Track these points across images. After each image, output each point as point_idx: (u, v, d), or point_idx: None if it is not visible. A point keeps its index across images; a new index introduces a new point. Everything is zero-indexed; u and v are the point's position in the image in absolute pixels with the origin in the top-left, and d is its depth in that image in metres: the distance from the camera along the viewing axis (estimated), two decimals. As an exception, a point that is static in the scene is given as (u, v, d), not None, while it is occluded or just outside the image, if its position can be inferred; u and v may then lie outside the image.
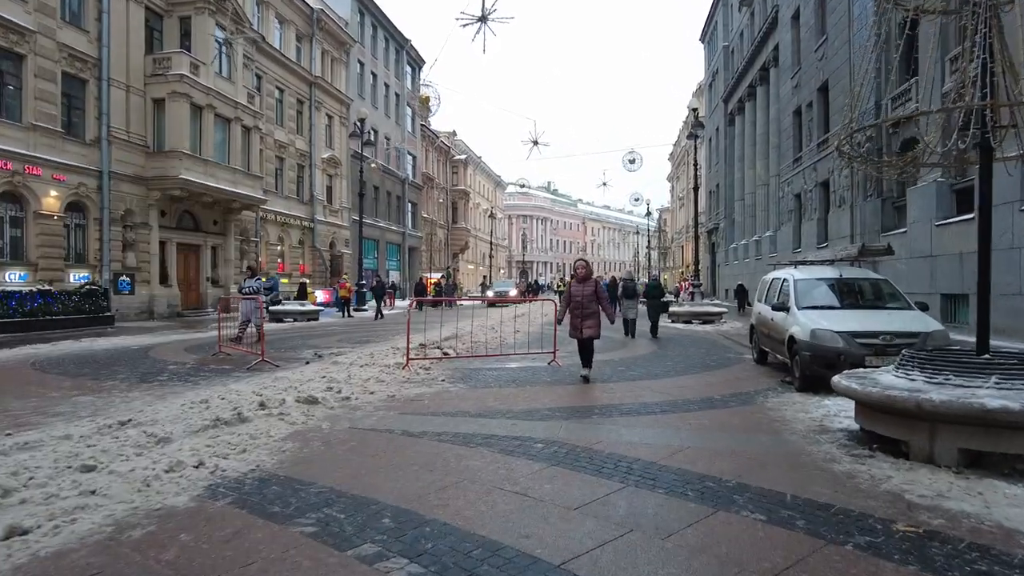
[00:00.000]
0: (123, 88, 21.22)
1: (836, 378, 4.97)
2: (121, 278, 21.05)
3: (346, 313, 25.08)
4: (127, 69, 21.34)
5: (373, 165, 29.12)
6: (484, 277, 57.38)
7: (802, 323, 7.27)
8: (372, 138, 34.40)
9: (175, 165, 22.01)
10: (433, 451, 4.42)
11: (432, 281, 40.88)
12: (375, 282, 25.50)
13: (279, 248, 31.70)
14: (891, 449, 4.44)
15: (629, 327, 15.26)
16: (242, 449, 4.27)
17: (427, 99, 36.18)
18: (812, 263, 9.30)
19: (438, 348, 10.05)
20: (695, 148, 26.20)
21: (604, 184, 43.39)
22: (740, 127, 38.53)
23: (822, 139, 23.42)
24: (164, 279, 23.33)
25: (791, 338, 7.41)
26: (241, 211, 26.74)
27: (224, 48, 21.88)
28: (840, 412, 5.85)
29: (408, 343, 8.64)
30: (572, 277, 26.70)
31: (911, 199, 16.22)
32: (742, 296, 27.93)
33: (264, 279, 13.19)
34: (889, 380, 4.60)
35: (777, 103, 30.22)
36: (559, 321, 8.80)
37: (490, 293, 36.65)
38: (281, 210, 31.20)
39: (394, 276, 44.47)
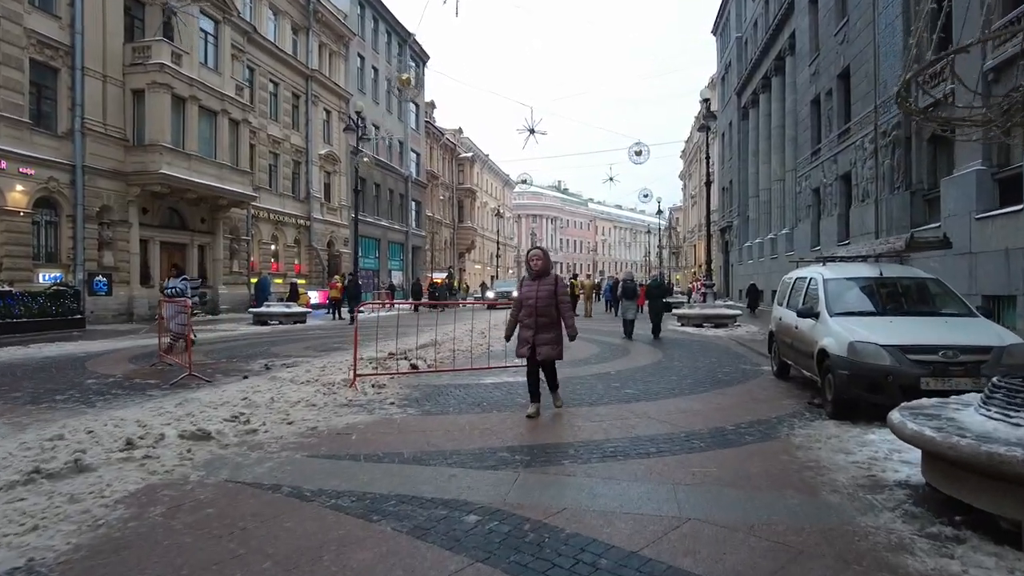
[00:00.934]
0: (99, 78, 20.08)
1: (898, 416, 3.54)
2: (97, 278, 19.89)
3: (336, 315, 23.83)
4: (103, 58, 20.20)
5: (366, 159, 27.80)
6: (492, 278, 55.87)
7: (836, 333, 5.82)
8: (373, 133, 33.10)
9: (155, 159, 20.85)
10: (314, 529, 3.04)
11: (434, 281, 39.49)
12: (347, 281, 23.20)
13: (273, 247, 30.54)
14: (986, 525, 3.02)
15: (627, 328, 14.87)
16: (33, 526, 2.93)
17: (408, 80, 33.99)
18: (844, 259, 7.82)
19: (406, 359, 8.70)
20: (707, 141, 24.65)
21: (611, 179, 41.61)
22: (754, 120, 36.90)
23: (843, 129, 21.83)
24: (146, 279, 22.18)
25: (822, 352, 5.97)
26: (230, 208, 25.57)
27: (174, 16, 20.49)
28: (892, 452, 4.42)
29: (355, 357, 7.24)
30: (574, 278, 25.02)
31: (946, 190, 14.64)
32: (754, 297, 26.47)
33: (191, 278, 11.55)
34: (979, 424, 3.17)
35: (794, 93, 28.62)
36: (507, 336, 6.16)
37: (491, 294, 34.04)
38: (275, 208, 30.03)
39: (397, 276, 43.25)
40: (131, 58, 21.00)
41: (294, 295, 24.52)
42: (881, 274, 6.62)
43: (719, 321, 17.52)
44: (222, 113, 24.24)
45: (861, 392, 5.36)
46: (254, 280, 26.61)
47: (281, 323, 20.11)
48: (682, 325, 18.09)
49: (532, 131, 23.01)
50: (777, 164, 31.67)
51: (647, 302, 16.36)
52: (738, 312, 18.82)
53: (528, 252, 6.22)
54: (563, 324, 5.88)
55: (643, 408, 6.19)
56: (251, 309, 21.60)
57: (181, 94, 21.90)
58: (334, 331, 16.66)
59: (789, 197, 29.76)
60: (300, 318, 21.05)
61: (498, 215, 59.85)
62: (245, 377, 7.75)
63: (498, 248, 58.33)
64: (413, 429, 5.17)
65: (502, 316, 17.70)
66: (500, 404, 6.33)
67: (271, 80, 30.27)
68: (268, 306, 21.10)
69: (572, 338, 5.89)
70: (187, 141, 22.34)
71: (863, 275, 6.74)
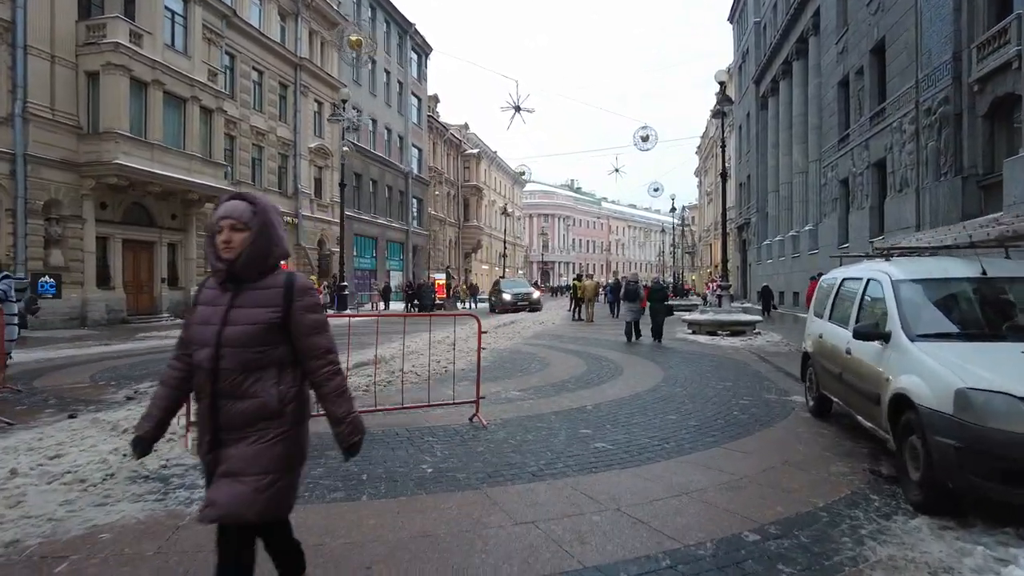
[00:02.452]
0: (47, 58, 18.18)
1: None
2: (42, 279, 17.98)
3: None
4: (52, 36, 18.30)
5: (345, 148, 25.77)
6: (500, 278, 53.07)
7: (928, 371, 3.53)
8: (369, 125, 30.95)
9: (110, 149, 18.90)
10: None
11: (440, 283, 37.08)
12: None
13: (256, 246, 28.49)
14: None
15: (629, 331, 14.35)
16: None
17: (359, 42, 31.05)
18: (915, 250, 5.49)
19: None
20: (723, 127, 22.26)
21: (616, 170, 38.82)
22: (773, 110, 34.36)
23: (876, 110, 19.37)
24: (105, 280, 20.27)
25: (900, 398, 3.69)
26: (203, 203, 23.56)
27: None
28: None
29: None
30: (578, 279, 22.59)
31: (1010, 173, 12.17)
32: (767, 299, 24.12)
33: (15, 276, 9.30)
34: None
35: (818, 76, 26.12)
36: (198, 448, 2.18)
37: (507, 296, 29.91)
38: (259, 204, 27.99)
39: (397, 277, 41.14)
40: (85, 37, 19.10)
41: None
42: (984, 273, 4.29)
43: (735, 329, 15.19)
44: (192, 100, 22.27)
45: (984, 481, 3.07)
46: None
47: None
48: (693, 333, 15.77)
49: (518, 108, 20.76)
50: (799, 155, 29.16)
51: (648, 304, 14.98)
52: (758, 319, 16.44)
53: (215, 212, 2.17)
54: (323, 408, 2.18)
55: (613, 485, 3.93)
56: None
57: (142, 78, 19.94)
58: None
59: (813, 191, 27.28)
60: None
61: (504, 213, 57.53)
62: (71, 416, 5.60)
63: (505, 247, 56.01)
64: (183, 546, 2.91)
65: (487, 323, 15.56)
66: (388, 478, 4.07)
67: (254, 68, 28.28)
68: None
69: (351, 450, 2.17)
70: (150, 129, 20.39)
71: (956, 275, 4.40)
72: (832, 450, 4.85)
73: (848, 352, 4.81)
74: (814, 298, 6.65)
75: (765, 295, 24.34)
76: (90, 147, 19.03)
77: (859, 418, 4.72)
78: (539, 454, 4.60)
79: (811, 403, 6.24)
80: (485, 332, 6.39)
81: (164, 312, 22.38)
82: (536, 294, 31.79)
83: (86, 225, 19.35)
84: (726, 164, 22.47)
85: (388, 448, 4.69)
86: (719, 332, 15.22)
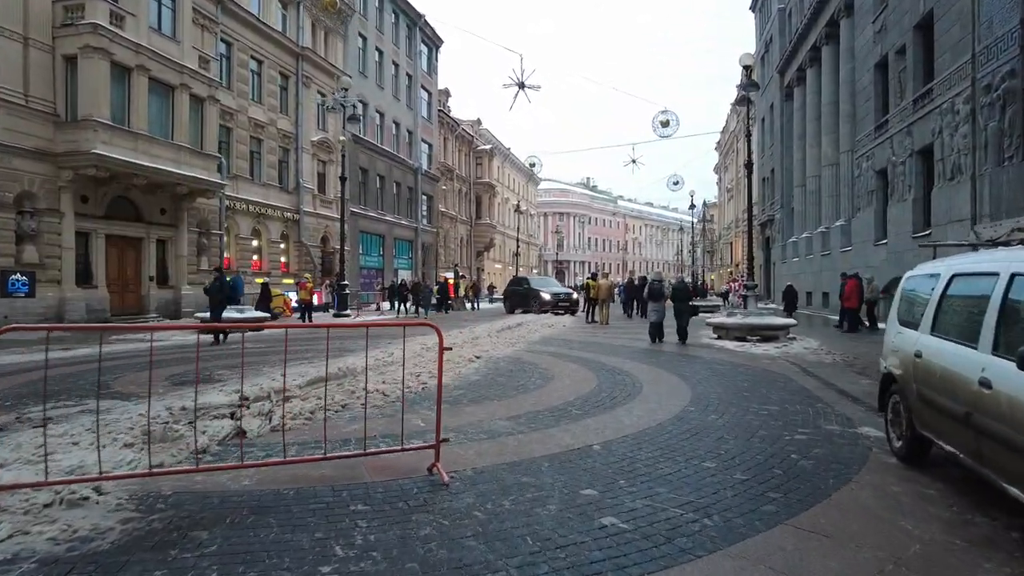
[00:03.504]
0: (19, 40, 16.93)
1: None
2: (13, 277, 16.73)
3: (307, 319, 20.39)
4: (25, 17, 17.04)
5: (342, 138, 24.33)
6: (518, 277, 51.14)
7: None
8: (356, 107, 29.47)
9: (89, 137, 17.58)
10: None
11: (449, 281, 35.60)
12: (214, 280, 15.82)
13: (253, 243, 27.21)
14: None
15: (653, 332, 13.68)
16: None
17: (333, 3, 28.84)
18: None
19: (232, 416, 4.97)
20: (747, 115, 20.45)
21: (633, 161, 36.80)
22: (800, 100, 32.42)
23: (921, 92, 17.52)
24: (87, 278, 19.00)
25: None
26: (195, 197, 22.25)
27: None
28: None
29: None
30: (592, 278, 20.67)
31: (1098, 154, 10.39)
32: (791, 300, 22.33)
33: None
34: None
35: (850, 61, 24.21)
36: None
37: (546, 295, 27.48)
38: (256, 199, 26.69)
39: (405, 275, 39.66)
40: (62, 18, 17.82)
41: (266, 297, 21.14)
42: None
43: (767, 333, 13.46)
44: (181, 88, 20.93)
45: None
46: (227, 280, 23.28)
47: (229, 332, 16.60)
48: (719, 337, 14.06)
49: (522, 85, 19.15)
50: (829, 146, 27.22)
51: (672, 304, 14.06)
52: (792, 322, 14.67)
53: None
54: None
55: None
56: (196, 315, 18.23)
57: (124, 62, 18.63)
58: (265, 346, 13.04)
59: (844, 183, 25.37)
60: (255, 325, 17.53)
61: (517, 210, 55.86)
62: None
63: (517, 246, 54.32)
64: None
65: (482, 329, 13.80)
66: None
67: (253, 57, 26.92)
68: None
69: None
70: (134, 118, 19.08)
71: None
72: (959, 533, 3.20)
73: (986, 385, 3.17)
74: (897, 301, 5.00)
75: (789, 295, 22.56)
76: (67, 136, 17.75)
77: (1012, 489, 3.07)
78: (513, 542, 2.99)
79: (898, 444, 4.58)
80: (450, 346, 4.81)
81: (152, 312, 21.09)
82: (575, 294, 29.59)
83: (64, 219, 18.07)
84: (750, 153, 20.70)
85: (288, 527, 3.10)
86: (748, 337, 13.51)
